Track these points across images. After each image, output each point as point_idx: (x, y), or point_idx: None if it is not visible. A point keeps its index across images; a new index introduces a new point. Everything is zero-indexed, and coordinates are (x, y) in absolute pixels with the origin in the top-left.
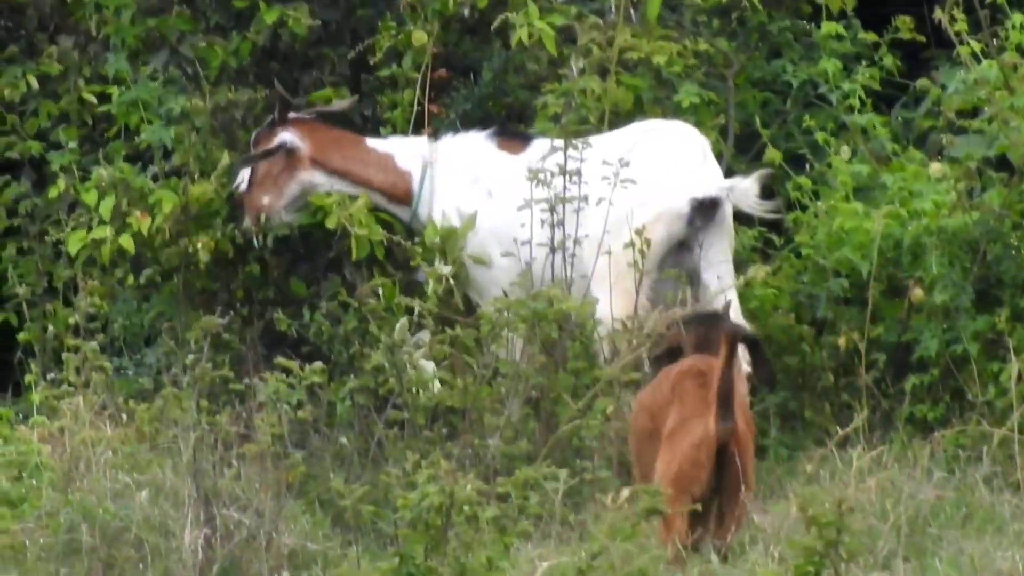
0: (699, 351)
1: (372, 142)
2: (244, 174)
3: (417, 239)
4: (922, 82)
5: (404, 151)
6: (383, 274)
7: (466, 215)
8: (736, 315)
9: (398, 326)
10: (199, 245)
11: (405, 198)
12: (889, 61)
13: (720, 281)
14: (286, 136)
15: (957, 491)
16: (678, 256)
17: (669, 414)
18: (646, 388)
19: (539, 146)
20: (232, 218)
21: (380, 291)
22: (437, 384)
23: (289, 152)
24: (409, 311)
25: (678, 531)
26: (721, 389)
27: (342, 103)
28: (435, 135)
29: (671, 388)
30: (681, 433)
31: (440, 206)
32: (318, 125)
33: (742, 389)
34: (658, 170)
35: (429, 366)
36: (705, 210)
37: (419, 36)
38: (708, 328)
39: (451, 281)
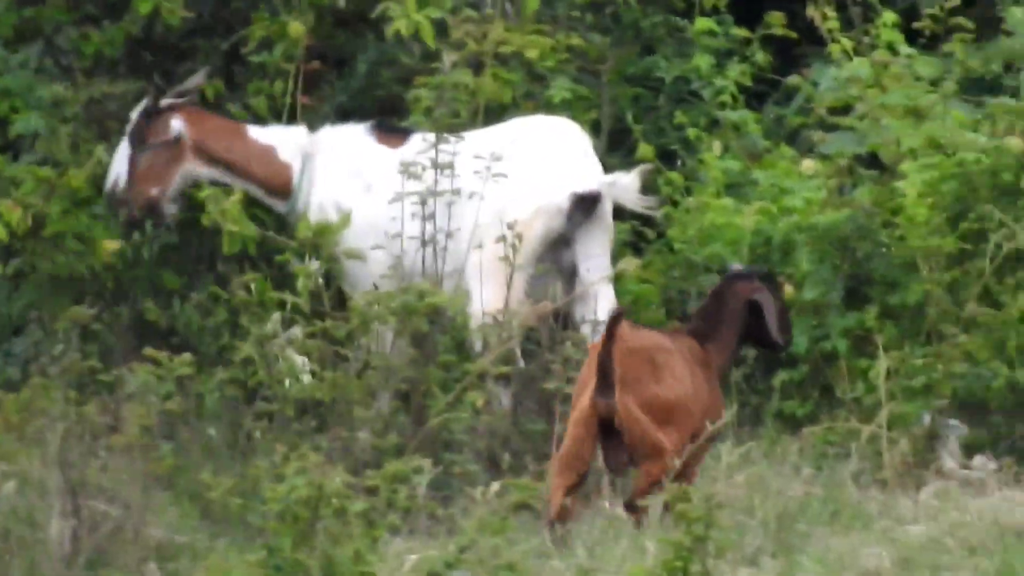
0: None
1: (254, 132)
2: (118, 167)
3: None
4: (793, 79)
5: (285, 143)
6: (256, 268)
7: (344, 209)
8: (608, 308)
9: (271, 321)
10: (106, 246)
11: (284, 191)
12: (761, 57)
13: (596, 276)
14: (176, 124)
15: (825, 487)
16: (556, 251)
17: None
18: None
19: (418, 140)
20: (110, 211)
21: (252, 286)
22: (308, 378)
23: (176, 141)
24: (282, 305)
25: (554, 504)
26: (600, 364)
27: (196, 77)
28: (312, 127)
29: (589, 365)
30: (573, 408)
31: (318, 199)
32: (203, 113)
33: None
34: (538, 165)
35: (300, 361)
36: (585, 205)
37: (295, 27)
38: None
39: (319, 279)
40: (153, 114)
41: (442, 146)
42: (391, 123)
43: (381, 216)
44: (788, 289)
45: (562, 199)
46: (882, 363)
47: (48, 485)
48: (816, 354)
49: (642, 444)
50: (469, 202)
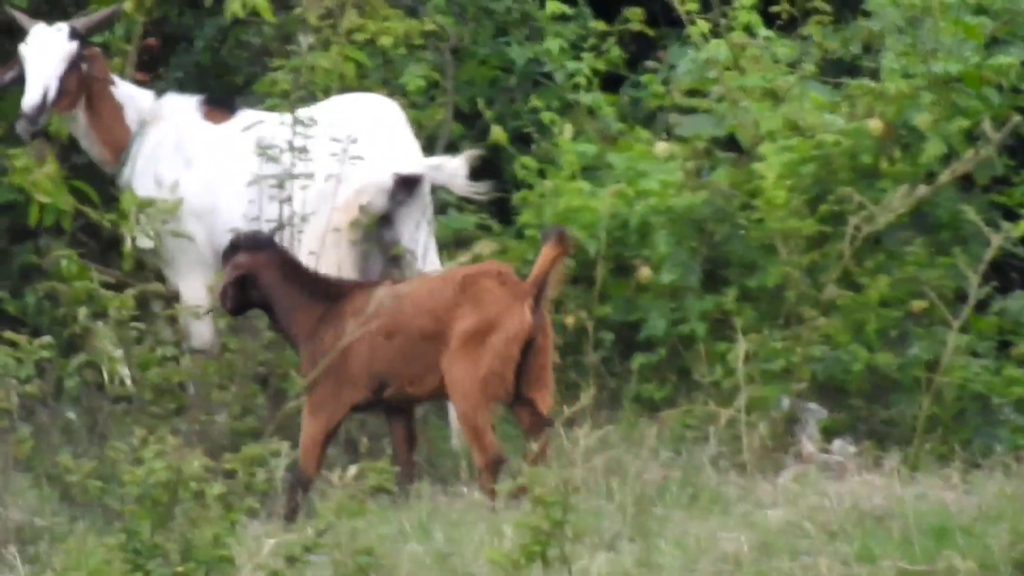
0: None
1: (119, 86)
2: (47, 82)
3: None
4: (648, 68)
5: (132, 106)
6: (75, 243)
7: (164, 183)
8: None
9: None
10: None
11: (117, 156)
12: (615, 53)
13: (424, 252)
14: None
15: (683, 471)
16: (380, 229)
17: (459, 316)
18: (411, 297)
19: (244, 117)
20: (31, 127)
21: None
22: (126, 369)
23: (88, 71)
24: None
25: (490, 439)
26: (540, 282)
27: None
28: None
29: (460, 290)
30: (487, 331)
31: (141, 169)
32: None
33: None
34: (361, 145)
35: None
36: (407, 185)
37: (129, 5)
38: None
39: (142, 249)
40: (82, 41)
41: (293, 128)
42: (222, 99)
43: (198, 193)
44: (646, 272)
45: (384, 178)
46: (740, 346)
47: None
48: (674, 337)
49: (545, 367)
50: (295, 183)
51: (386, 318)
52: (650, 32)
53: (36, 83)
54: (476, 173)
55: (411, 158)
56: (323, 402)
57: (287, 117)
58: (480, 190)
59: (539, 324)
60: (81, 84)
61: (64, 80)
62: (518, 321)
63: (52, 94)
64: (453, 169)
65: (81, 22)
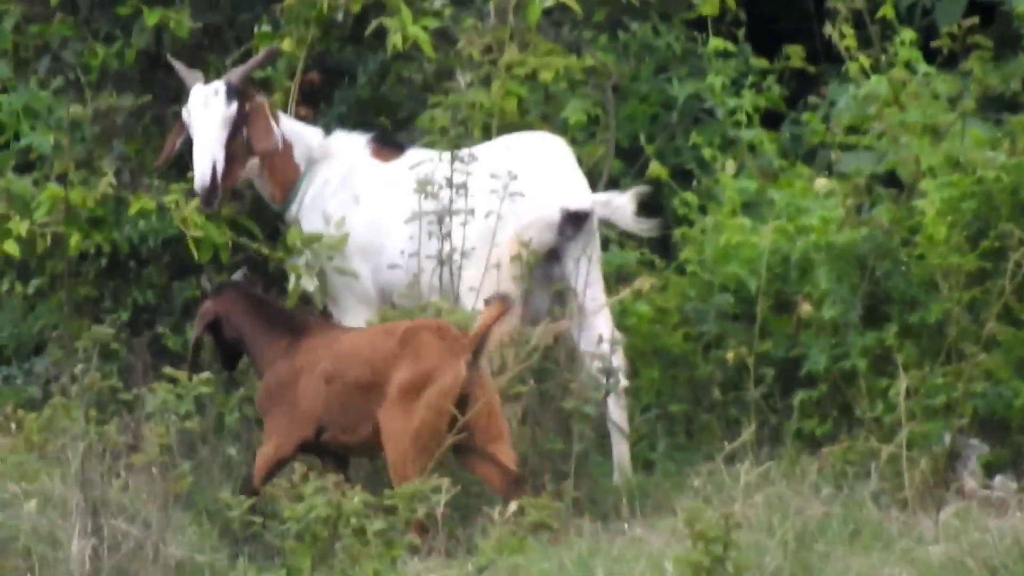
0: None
1: (283, 123)
2: (212, 155)
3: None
4: (811, 103)
5: (301, 143)
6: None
7: (332, 219)
8: (607, 325)
9: None
10: (71, 241)
11: (286, 193)
12: (777, 91)
13: (591, 292)
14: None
15: (844, 507)
16: (546, 267)
17: (397, 368)
18: (353, 345)
19: (412, 155)
20: (208, 205)
21: None
22: None
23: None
24: None
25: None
26: (479, 341)
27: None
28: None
29: (401, 343)
30: (421, 385)
31: (309, 206)
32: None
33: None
34: (527, 181)
35: None
36: (575, 221)
37: (288, 43)
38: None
39: (313, 288)
40: (242, 96)
41: (451, 165)
42: (390, 136)
43: (365, 231)
44: (807, 308)
45: (552, 214)
46: (902, 382)
47: (69, 504)
48: (835, 373)
49: (494, 419)
50: (456, 219)
51: (327, 363)
52: (810, 69)
53: (203, 160)
54: (637, 209)
55: (579, 194)
56: (275, 431)
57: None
58: (646, 227)
59: (475, 379)
60: (246, 147)
61: (229, 148)
62: (452, 375)
63: (221, 167)
64: (620, 205)
65: (237, 74)
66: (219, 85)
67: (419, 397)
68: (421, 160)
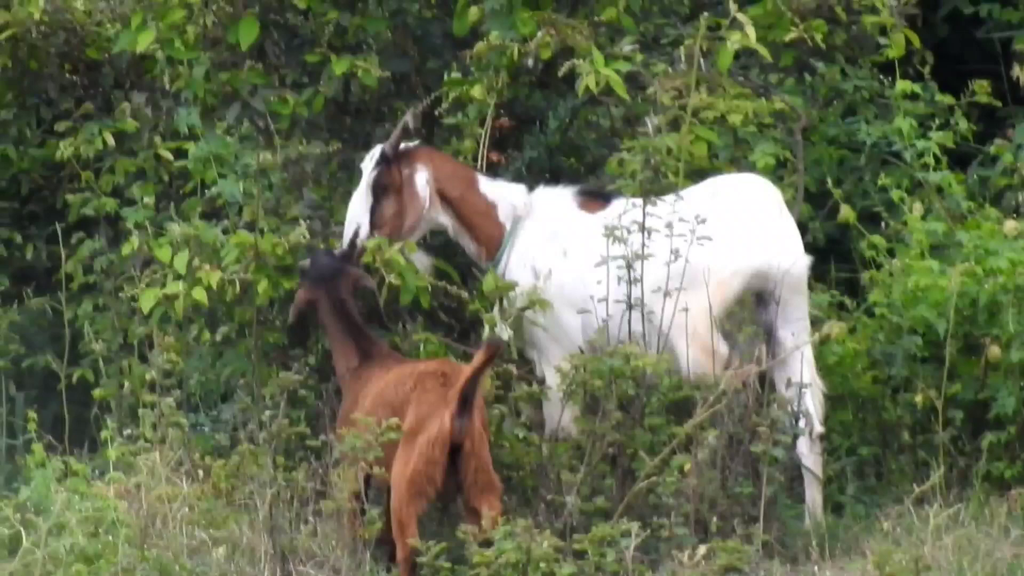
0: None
1: (484, 184)
2: (356, 217)
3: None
4: (997, 144)
5: (504, 202)
6: (431, 326)
7: (540, 272)
8: (810, 370)
9: None
10: (259, 289)
11: (492, 252)
12: (964, 126)
13: (795, 337)
14: (421, 169)
15: None
16: (755, 312)
17: (407, 411)
18: (384, 384)
19: (618, 206)
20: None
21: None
22: None
23: (419, 185)
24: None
25: (411, 534)
26: (467, 388)
27: (406, 118)
28: (532, 186)
29: (412, 387)
30: (418, 431)
31: (516, 259)
32: (442, 156)
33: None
34: (736, 225)
35: None
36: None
37: (478, 90)
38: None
39: (507, 337)
40: (392, 160)
41: (648, 209)
42: (596, 188)
43: (574, 282)
44: (995, 350)
45: (761, 260)
46: None
47: (258, 551)
48: None
49: (482, 473)
50: (671, 264)
51: (368, 401)
52: (997, 104)
53: (348, 222)
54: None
55: (786, 239)
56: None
57: (659, 201)
58: None
59: (466, 429)
60: (399, 208)
61: (375, 213)
62: (437, 426)
63: (364, 232)
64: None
65: (392, 138)
66: (375, 150)
67: (414, 443)
68: (628, 209)
